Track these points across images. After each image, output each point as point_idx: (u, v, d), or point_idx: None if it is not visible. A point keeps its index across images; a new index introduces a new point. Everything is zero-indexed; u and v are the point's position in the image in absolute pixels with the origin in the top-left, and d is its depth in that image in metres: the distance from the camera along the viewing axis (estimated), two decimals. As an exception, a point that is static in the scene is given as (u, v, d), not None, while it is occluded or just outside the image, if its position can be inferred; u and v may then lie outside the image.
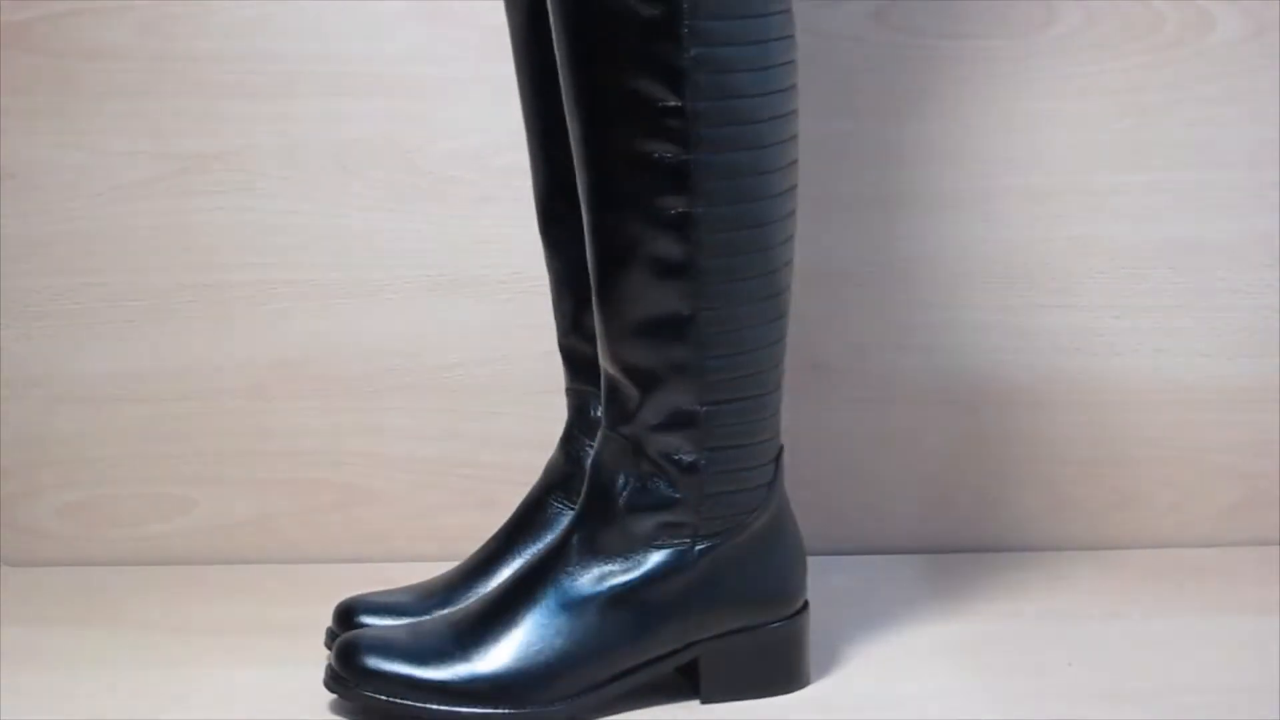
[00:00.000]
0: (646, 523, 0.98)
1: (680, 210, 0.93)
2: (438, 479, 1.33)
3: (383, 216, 1.31)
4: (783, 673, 1.02)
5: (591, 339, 1.02)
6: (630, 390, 0.97)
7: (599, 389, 1.03)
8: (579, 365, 1.11)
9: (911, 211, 1.31)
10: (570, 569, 0.98)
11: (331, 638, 1.07)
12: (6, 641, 1.14)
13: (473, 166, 1.31)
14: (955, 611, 1.17)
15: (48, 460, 1.34)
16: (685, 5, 0.90)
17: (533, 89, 1.08)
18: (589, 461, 1.01)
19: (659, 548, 0.98)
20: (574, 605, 0.97)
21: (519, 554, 1.08)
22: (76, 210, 1.32)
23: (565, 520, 1.06)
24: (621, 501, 0.98)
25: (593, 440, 1.06)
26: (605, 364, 0.98)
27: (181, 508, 1.34)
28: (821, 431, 1.32)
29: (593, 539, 0.99)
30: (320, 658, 1.06)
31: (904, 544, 1.34)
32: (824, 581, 1.10)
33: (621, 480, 0.98)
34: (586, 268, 0.97)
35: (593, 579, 0.98)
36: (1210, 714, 0.97)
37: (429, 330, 1.32)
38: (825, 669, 1.05)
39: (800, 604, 1.03)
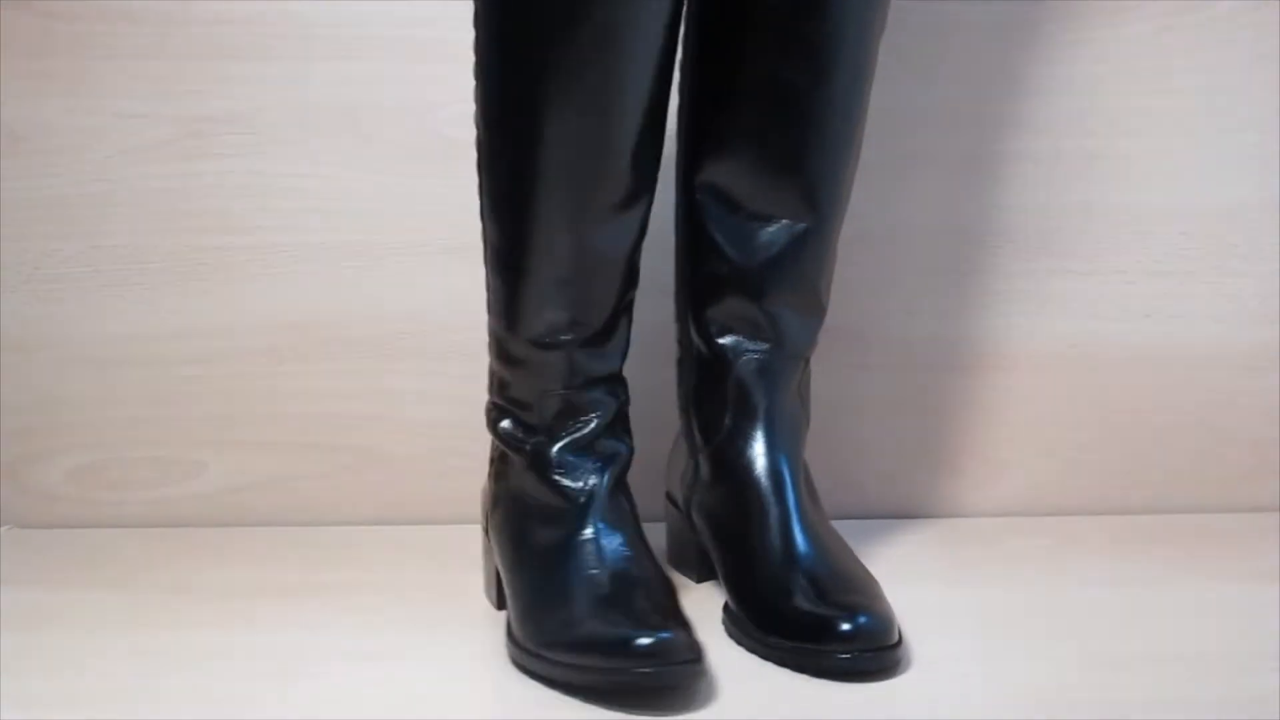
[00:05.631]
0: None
1: None
2: (450, 442, 1.33)
3: (394, 180, 1.31)
4: None
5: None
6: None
7: None
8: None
9: (923, 176, 1.31)
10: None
11: None
12: (17, 604, 1.14)
13: (484, 130, 1.31)
14: (963, 577, 1.17)
15: (58, 423, 1.34)
16: None
17: None
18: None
19: None
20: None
21: None
22: (86, 173, 1.31)
23: None
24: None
25: None
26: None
27: (192, 471, 1.34)
28: (832, 397, 1.32)
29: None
30: (333, 620, 1.06)
31: (914, 509, 1.34)
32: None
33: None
34: None
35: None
36: (1216, 679, 0.98)
37: (441, 293, 1.32)
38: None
39: None
